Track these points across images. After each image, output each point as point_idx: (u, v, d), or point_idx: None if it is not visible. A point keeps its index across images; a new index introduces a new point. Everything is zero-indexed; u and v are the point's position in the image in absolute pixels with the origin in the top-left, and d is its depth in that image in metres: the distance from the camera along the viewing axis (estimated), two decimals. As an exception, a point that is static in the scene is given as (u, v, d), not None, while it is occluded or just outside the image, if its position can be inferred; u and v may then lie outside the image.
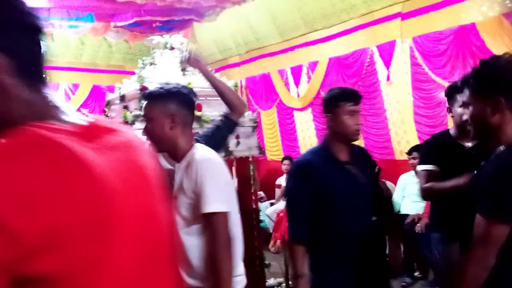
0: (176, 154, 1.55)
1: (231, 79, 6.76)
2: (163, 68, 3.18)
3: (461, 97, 2.09)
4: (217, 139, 1.93)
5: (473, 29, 3.99)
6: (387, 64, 4.73)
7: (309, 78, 5.64)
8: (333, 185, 1.74)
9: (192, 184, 1.45)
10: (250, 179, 3.30)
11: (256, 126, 3.32)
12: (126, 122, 2.77)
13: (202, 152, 1.53)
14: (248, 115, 3.34)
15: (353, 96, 1.82)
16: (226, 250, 1.42)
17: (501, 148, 1.26)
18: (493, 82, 1.24)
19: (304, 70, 5.70)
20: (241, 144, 3.17)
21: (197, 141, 1.82)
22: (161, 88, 1.57)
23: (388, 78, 4.75)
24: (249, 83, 6.52)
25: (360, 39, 4.97)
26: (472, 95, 1.29)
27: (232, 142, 3.06)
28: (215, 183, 1.44)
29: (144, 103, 1.58)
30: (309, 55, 5.57)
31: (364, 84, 4.98)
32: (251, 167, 3.28)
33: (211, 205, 1.41)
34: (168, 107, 1.51)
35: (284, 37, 5.76)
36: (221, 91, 2.00)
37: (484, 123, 1.26)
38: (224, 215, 1.43)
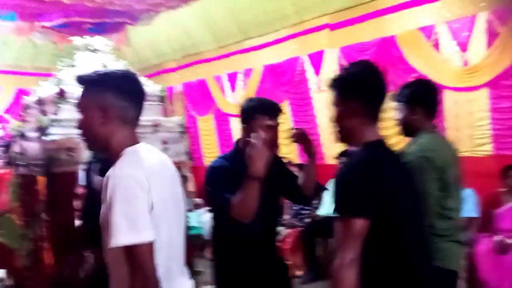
0: (110, 157, 1.24)
1: (168, 84, 6.71)
2: (84, 71, 3.05)
3: None
4: None
5: (392, 41, 4.26)
6: (317, 72, 4.91)
7: (245, 84, 5.71)
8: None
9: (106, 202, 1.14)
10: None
11: (185, 131, 3.29)
12: (40, 128, 2.62)
13: (131, 157, 1.19)
14: (176, 120, 3.30)
15: (271, 110, 1.77)
16: None
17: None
18: (351, 85, 1.35)
19: (240, 77, 5.76)
20: (169, 150, 3.12)
21: None
22: (95, 72, 1.28)
23: (318, 86, 4.93)
24: (186, 89, 6.46)
25: (292, 48, 5.12)
26: (336, 96, 1.39)
27: (159, 148, 3.01)
28: (127, 205, 1.11)
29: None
30: (244, 62, 5.64)
31: (296, 91, 5.14)
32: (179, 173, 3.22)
33: (116, 237, 1.09)
34: (99, 97, 1.21)
35: (219, 44, 5.78)
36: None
37: (344, 124, 1.36)
38: (142, 248, 1.10)
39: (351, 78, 1.37)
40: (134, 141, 1.25)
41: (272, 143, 1.75)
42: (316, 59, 4.92)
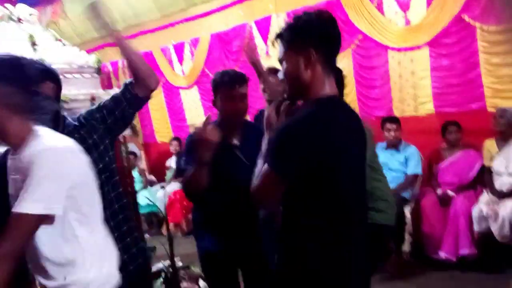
0: (8, 144, 1.25)
1: (112, 59, 6.36)
2: (8, 43, 2.78)
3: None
4: (116, 116, 1.59)
5: (338, 3, 4.22)
6: (265, 38, 4.81)
7: (193, 55, 5.52)
8: (218, 167, 1.71)
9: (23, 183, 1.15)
10: (123, 161, 3.11)
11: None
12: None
13: (41, 140, 1.20)
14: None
15: (230, 82, 1.84)
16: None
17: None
18: (304, 33, 1.20)
19: (187, 47, 5.55)
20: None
21: (85, 118, 1.57)
22: None
23: (267, 53, 4.85)
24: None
25: (238, 15, 4.96)
26: (286, 49, 1.24)
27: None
28: (44, 179, 1.13)
29: None
30: (190, 32, 5.42)
31: (246, 59, 5.01)
32: (123, 148, 3.08)
33: (23, 204, 1.11)
34: None
35: (163, 12, 5.50)
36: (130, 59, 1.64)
37: (297, 78, 1.23)
38: (30, 218, 1.12)
39: (302, 25, 1.22)
40: (31, 128, 1.22)
41: (241, 112, 1.87)
42: (264, 25, 4.81)
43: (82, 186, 1.24)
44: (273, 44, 1.31)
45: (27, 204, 1.11)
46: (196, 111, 5.66)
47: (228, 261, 1.94)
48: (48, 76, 1.59)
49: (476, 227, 3.13)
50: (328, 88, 1.24)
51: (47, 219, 1.15)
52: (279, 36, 1.26)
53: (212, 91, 1.92)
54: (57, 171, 1.15)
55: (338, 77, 1.76)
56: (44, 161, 1.14)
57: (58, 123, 1.52)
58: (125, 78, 6.18)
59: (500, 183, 3.22)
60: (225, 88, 1.83)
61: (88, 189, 1.28)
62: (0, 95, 1.16)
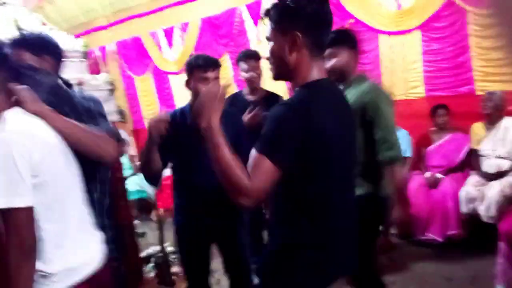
0: None
1: (100, 44, 6.25)
2: (-9, 26, 2.71)
3: (245, 64, 2.77)
4: None
5: (329, -13, 4.18)
6: (256, 23, 4.76)
7: (183, 40, 5.45)
8: (190, 147, 1.85)
9: None
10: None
11: (113, 89, 3.08)
12: None
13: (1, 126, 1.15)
14: (103, 77, 3.07)
15: (204, 64, 1.89)
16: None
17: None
18: (291, 15, 1.16)
19: (177, 31, 5.47)
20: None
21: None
22: None
23: (258, 38, 4.81)
24: (120, 48, 6.06)
25: (228, -2, 4.90)
26: (272, 28, 1.21)
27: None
28: (5, 170, 1.08)
29: None
30: (180, 16, 5.34)
31: (236, 44, 4.98)
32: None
33: None
34: None
35: (151, -4, 5.41)
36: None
37: (282, 60, 1.20)
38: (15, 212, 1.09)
39: (289, 6, 1.17)
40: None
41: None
42: (254, 9, 4.76)
43: (47, 172, 1.17)
44: (262, 20, 1.25)
45: None
46: (185, 97, 5.59)
47: (199, 234, 2.02)
48: (47, 50, 1.55)
49: (463, 209, 3.19)
50: (315, 72, 1.21)
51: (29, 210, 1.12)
52: (267, 13, 1.22)
53: (186, 73, 1.96)
54: (8, 161, 1.08)
55: None
56: None
57: (57, 98, 1.44)
58: (113, 63, 6.10)
59: (487, 165, 3.27)
60: (199, 70, 1.89)
61: (57, 173, 1.21)
62: None
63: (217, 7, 5.04)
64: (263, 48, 4.87)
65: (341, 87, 1.99)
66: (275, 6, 1.20)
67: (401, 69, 3.99)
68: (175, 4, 5.30)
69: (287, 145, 1.13)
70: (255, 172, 1.11)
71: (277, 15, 1.19)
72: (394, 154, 1.87)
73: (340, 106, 1.29)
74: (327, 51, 1.91)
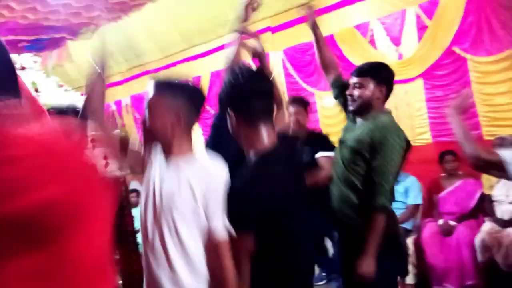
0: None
1: (115, 98, 6.52)
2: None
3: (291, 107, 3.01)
4: None
5: (331, 39, 4.36)
6: (263, 75, 4.95)
7: (194, 93, 5.66)
8: None
9: None
10: (125, 200, 3.15)
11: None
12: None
13: None
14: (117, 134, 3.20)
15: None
16: None
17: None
18: (221, 99, 1.46)
19: (189, 85, 5.70)
20: (111, 164, 3.02)
21: None
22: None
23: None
24: (134, 101, 6.32)
25: (237, 53, 5.13)
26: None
27: (100, 163, 2.91)
28: None
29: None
30: (191, 71, 5.59)
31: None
32: (124, 188, 3.13)
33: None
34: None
35: (164, 53, 5.71)
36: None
37: (232, 132, 1.43)
38: None
39: (221, 92, 1.47)
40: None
41: None
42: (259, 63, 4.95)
43: None
44: None
45: None
46: (197, 145, 5.72)
47: None
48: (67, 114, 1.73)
49: (479, 257, 3.09)
50: (259, 142, 1.38)
51: None
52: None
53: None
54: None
55: None
56: None
57: None
58: (128, 116, 6.34)
59: (501, 211, 3.20)
60: None
61: None
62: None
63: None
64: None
65: (359, 120, 1.98)
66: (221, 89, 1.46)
67: (406, 116, 4.04)
68: (187, 60, 5.58)
69: (249, 213, 1.29)
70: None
71: (220, 96, 1.48)
72: (382, 202, 1.83)
73: (289, 166, 1.43)
74: (352, 80, 1.96)
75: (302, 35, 4.58)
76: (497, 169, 1.53)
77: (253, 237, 1.27)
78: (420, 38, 3.86)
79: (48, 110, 1.77)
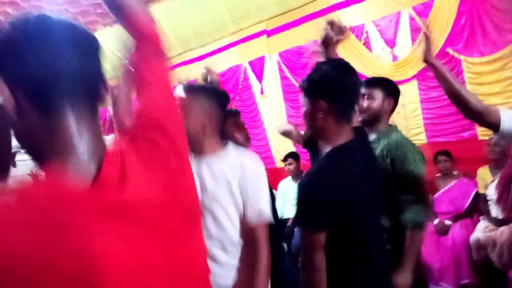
0: None
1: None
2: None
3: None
4: None
5: (327, 42, 4.40)
6: (260, 78, 4.98)
7: (191, 96, 5.68)
8: None
9: None
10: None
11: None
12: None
13: None
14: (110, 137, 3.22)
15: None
16: None
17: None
18: (318, 86, 1.33)
19: (185, 88, 5.72)
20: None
21: None
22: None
23: (261, 92, 5.00)
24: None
25: (233, 56, 5.17)
26: (304, 96, 1.39)
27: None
28: None
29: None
30: (187, 74, 5.61)
31: (242, 98, 5.19)
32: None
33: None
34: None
35: (161, 57, 5.73)
36: None
37: (311, 123, 1.38)
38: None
39: (316, 79, 1.34)
40: None
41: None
42: (257, 65, 5.00)
43: None
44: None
45: None
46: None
47: None
48: None
49: (474, 256, 3.11)
50: (341, 137, 1.33)
51: None
52: (300, 85, 1.41)
53: None
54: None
55: None
56: None
57: None
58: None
59: (496, 210, 3.23)
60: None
61: None
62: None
63: (222, 64, 5.30)
64: (267, 102, 5.05)
65: (373, 136, 1.94)
66: (307, 78, 1.38)
67: (401, 117, 4.08)
68: (183, 64, 5.60)
69: (321, 211, 1.25)
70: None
71: (307, 85, 1.37)
72: (419, 219, 1.77)
73: (364, 166, 1.40)
74: (361, 91, 1.92)
75: (298, 38, 4.63)
76: (491, 126, 1.50)
77: (325, 231, 1.26)
78: (413, 40, 3.90)
79: None
